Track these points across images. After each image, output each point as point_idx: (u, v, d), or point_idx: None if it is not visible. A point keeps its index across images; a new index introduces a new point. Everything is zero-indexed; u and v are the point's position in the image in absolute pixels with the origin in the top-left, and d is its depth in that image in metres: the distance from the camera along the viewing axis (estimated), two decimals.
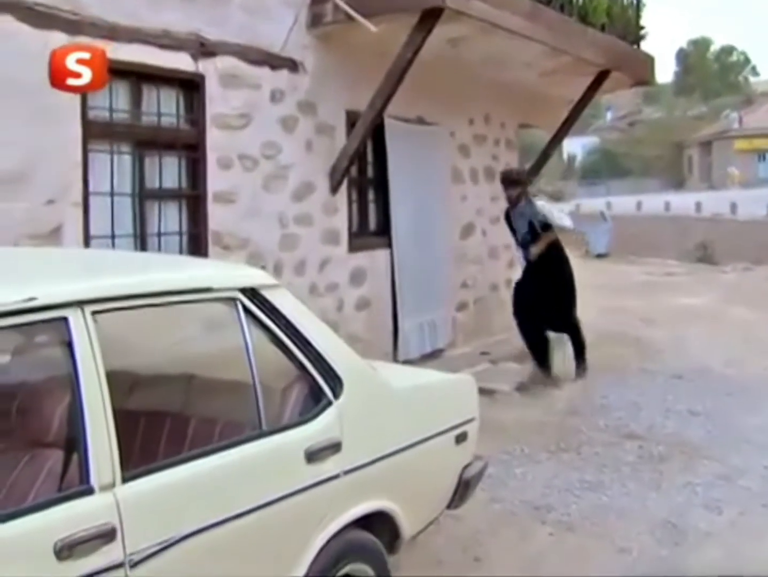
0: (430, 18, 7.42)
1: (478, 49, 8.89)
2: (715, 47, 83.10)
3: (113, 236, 6.43)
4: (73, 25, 5.84)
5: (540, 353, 9.04)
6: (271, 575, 3.25)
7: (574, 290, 9.04)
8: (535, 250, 8.78)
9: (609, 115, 72.41)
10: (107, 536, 2.61)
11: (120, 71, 6.27)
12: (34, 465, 2.84)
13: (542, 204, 9.29)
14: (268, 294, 3.46)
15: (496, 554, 5.00)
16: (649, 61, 11.77)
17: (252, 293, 3.42)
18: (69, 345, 2.71)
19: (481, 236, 11.12)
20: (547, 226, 8.85)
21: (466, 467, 4.34)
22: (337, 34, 7.96)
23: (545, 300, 8.82)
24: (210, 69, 6.96)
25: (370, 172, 9.34)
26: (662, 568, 4.91)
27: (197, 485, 2.97)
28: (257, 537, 3.15)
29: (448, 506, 4.35)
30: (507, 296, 11.54)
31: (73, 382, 2.70)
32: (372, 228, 9.27)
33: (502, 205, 11.53)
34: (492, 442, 6.01)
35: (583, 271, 20.37)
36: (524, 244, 9.00)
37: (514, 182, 8.94)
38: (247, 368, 3.36)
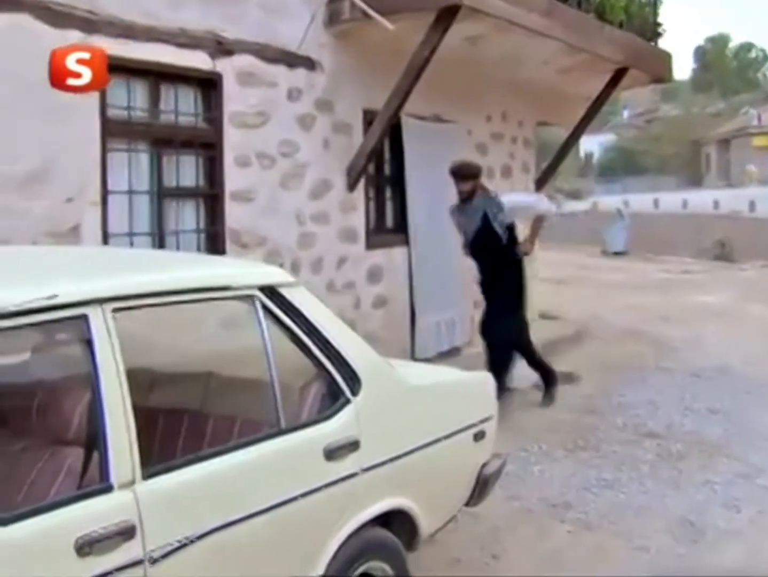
0: (446, 16, 7.41)
1: (494, 47, 8.87)
2: (733, 44, 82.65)
3: (131, 234, 6.46)
4: (91, 24, 5.87)
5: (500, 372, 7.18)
6: (290, 573, 3.25)
7: (521, 309, 7.91)
8: (527, 247, 7.83)
9: (626, 113, 72.11)
10: (127, 533, 2.62)
11: (137, 70, 6.32)
12: (55, 463, 2.86)
13: (510, 198, 7.91)
14: (286, 292, 3.47)
15: (514, 551, 4.99)
16: (666, 58, 11.72)
17: (270, 290, 3.42)
18: (89, 343, 2.72)
19: None
20: (510, 229, 7.76)
21: (484, 464, 4.33)
22: (354, 32, 7.97)
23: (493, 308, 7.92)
24: (227, 67, 6.98)
25: (387, 170, 9.34)
26: (680, 566, 4.89)
27: (216, 482, 2.98)
28: (276, 535, 3.16)
29: (467, 504, 4.34)
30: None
31: (93, 380, 2.71)
32: (389, 226, 9.28)
33: None
34: (509, 440, 6.00)
35: (600, 270, 20.38)
36: (473, 245, 7.88)
37: (466, 176, 7.78)
38: (266, 366, 3.36)
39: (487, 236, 7.62)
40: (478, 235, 7.71)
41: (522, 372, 8.50)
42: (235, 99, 7.06)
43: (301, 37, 7.60)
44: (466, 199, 7.74)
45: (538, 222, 7.84)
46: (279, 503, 3.12)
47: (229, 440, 3.30)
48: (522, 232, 8.12)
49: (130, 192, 6.49)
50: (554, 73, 10.38)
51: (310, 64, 7.83)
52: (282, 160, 7.58)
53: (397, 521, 3.76)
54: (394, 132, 8.88)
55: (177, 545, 2.75)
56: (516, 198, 7.88)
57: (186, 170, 6.93)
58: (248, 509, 3.01)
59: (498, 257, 7.75)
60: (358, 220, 8.56)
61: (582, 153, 56.53)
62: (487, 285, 8.08)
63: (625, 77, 10.76)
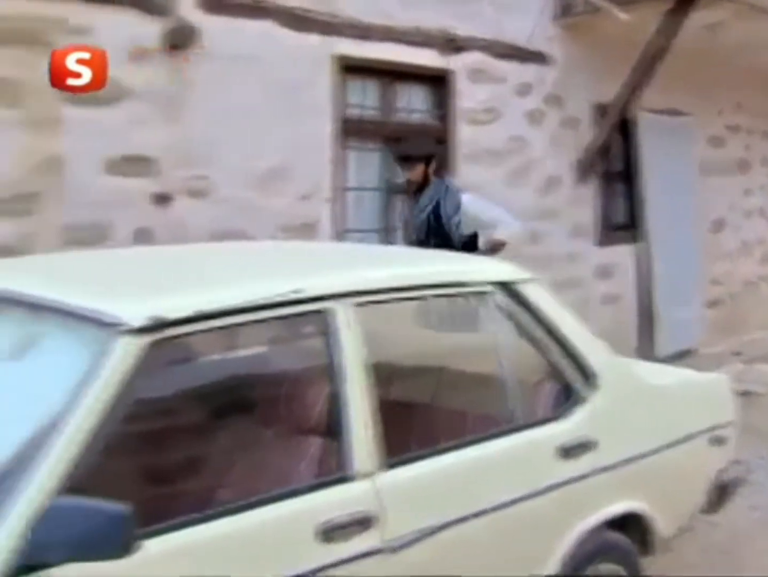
0: (684, 3, 7.16)
1: (733, 35, 8.46)
2: None
3: (362, 231, 6.62)
4: (331, 27, 6.10)
5: None
6: (521, 570, 3.24)
7: None
8: None
9: None
10: (367, 522, 2.67)
11: (372, 69, 6.49)
12: (298, 451, 2.96)
13: (476, 205, 5.76)
14: (521, 288, 3.44)
15: (755, 563, 4.75)
16: None
17: (505, 286, 3.40)
18: (333, 336, 2.79)
19: (732, 231, 10.64)
20: (473, 239, 5.70)
21: (722, 471, 4.16)
22: (585, 24, 7.85)
23: None
24: (458, 64, 7.05)
25: (616, 165, 9.13)
26: None
27: (452, 476, 2.99)
28: (508, 531, 3.15)
29: (704, 511, 4.18)
30: (763, 292, 11.03)
31: (336, 371, 2.79)
32: (619, 222, 9.07)
33: (755, 199, 11.04)
34: (747, 446, 5.72)
35: None
36: (417, 239, 5.83)
37: (413, 159, 5.76)
38: (499, 362, 3.36)
39: (435, 228, 5.71)
40: (422, 227, 5.78)
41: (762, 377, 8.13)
42: (465, 95, 7.12)
43: (530, 32, 7.56)
44: (415, 189, 5.84)
45: (495, 249, 5.64)
46: (512, 500, 3.11)
47: (462, 435, 3.31)
48: None
49: (362, 189, 6.67)
50: None
51: (539, 58, 7.78)
52: (510, 156, 7.57)
53: (631, 524, 3.67)
54: (624, 126, 8.67)
55: (413, 537, 2.78)
56: (482, 207, 5.77)
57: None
58: (482, 505, 3.00)
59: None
60: (587, 217, 8.43)
61: None
62: None
63: None
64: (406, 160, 5.82)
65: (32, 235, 4.98)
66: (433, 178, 5.77)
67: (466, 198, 5.74)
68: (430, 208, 5.67)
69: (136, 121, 5.32)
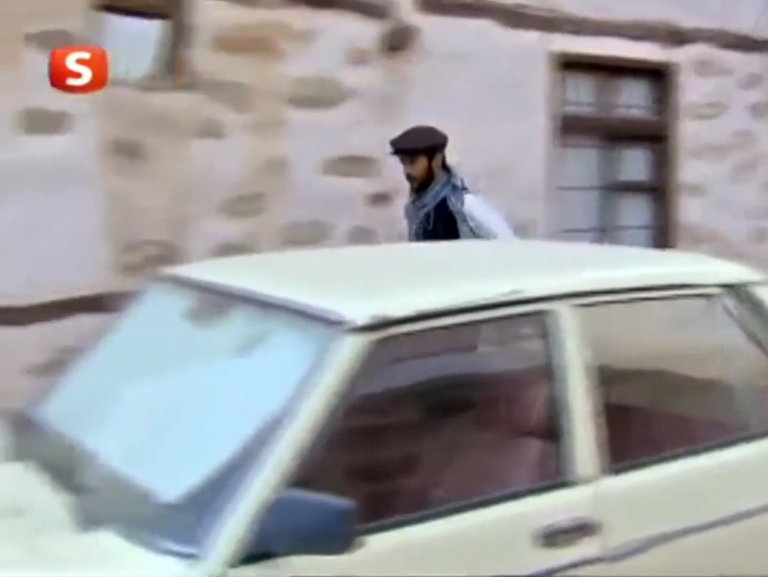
0: None
1: None
2: None
3: (577, 230, 6.52)
4: (548, 24, 6.07)
5: None
6: None
7: None
8: None
9: None
10: (589, 529, 2.61)
11: (589, 65, 6.40)
12: (517, 453, 2.93)
13: (476, 201, 5.06)
14: (752, 291, 3.27)
15: None
16: None
17: (734, 289, 3.25)
18: (552, 337, 2.75)
19: None
20: None
21: None
22: None
23: None
24: (681, 57, 6.86)
25: None
26: None
27: (678, 485, 2.89)
28: (739, 546, 3.00)
29: None
30: None
31: (556, 373, 2.74)
32: None
33: None
34: None
35: None
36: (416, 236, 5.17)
37: (414, 151, 5.01)
38: (726, 368, 3.23)
39: (434, 228, 5.05)
40: (424, 221, 5.09)
41: None
42: (688, 89, 6.93)
43: (755, 20, 7.25)
44: (419, 189, 5.10)
45: None
46: (744, 513, 2.96)
47: (687, 441, 3.18)
48: None
49: (579, 188, 6.56)
50: None
51: (767, 47, 7.44)
52: (735, 151, 7.29)
53: None
54: None
55: (637, 546, 2.69)
56: (481, 212, 5.06)
57: (634, 164, 6.91)
58: (710, 516, 2.88)
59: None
60: None
61: None
62: None
63: None
64: (406, 153, 5.08)
65: (257, 234, 5.18)
66: (439, 173, 5.09)
67: (469, 198, 5.08)
68: (432, 205, 5.06)
69: (356, 121, 5.44)
